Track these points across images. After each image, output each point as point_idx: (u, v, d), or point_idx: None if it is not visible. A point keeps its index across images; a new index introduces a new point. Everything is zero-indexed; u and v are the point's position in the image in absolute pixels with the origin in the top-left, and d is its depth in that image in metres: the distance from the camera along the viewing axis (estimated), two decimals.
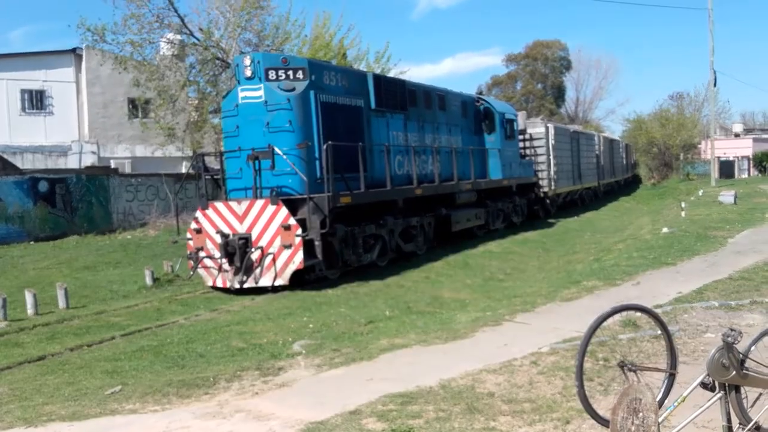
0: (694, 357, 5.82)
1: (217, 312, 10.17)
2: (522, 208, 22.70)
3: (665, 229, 16.08)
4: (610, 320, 4.03)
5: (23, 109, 31.30)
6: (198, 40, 23.29)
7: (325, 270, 12.17)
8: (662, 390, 4.14)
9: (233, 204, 11.78)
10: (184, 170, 16.53)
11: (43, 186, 22.04)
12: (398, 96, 15.11)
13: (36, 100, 31.60)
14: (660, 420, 3.65)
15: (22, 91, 31.23)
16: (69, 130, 31.74)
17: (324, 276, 12.19)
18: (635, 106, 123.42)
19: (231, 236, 11.57)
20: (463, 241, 17.23)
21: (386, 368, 6.13)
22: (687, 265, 11.05)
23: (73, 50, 31.70)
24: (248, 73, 11.99)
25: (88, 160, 30.11)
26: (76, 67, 32.07)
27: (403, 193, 14.63)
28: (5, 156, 23.24)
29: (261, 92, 11.92)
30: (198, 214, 12.19)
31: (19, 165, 24.63)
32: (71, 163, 29.90)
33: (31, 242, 20.45)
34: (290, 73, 12.07)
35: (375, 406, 4.95)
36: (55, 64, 31.87)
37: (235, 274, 11.44)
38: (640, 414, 3.48)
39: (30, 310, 10.48)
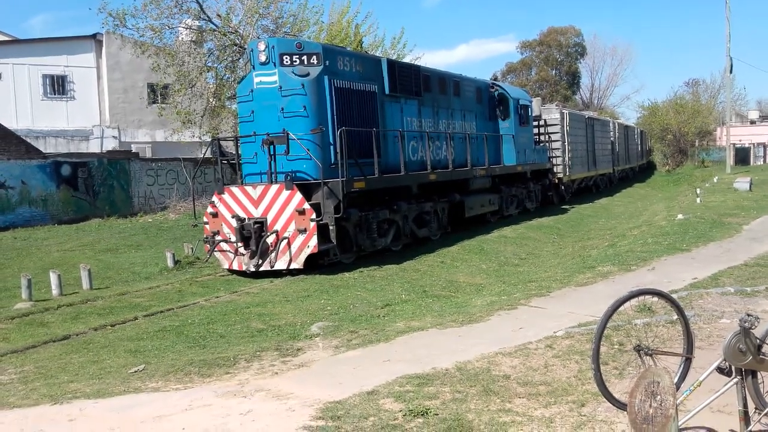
0: (710, 342, 5.84)
1: (237, 294, 10.32)
2: (536, 194, 22.62)
3: (680, 216, 15.98)
4: (625, 305, 4.06)
5: (45, 94, 31.69)
6: (216, 26, 23.36)
7: (339, 254, 12.26)
8: (678, 374, 4.18)
9: (248, 188, 11.89)
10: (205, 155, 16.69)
11: (65, 170, 22.36)
12: (412, 81, 15.06)
13: (58, 85, 31.97)
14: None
15: (44, 77, 31.61)
16: (90, 115, 32.10)
17: (338, 260, 12.29)
18: (650, 93, 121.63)
19: (246, 220, 11.70)
20: (477, 227, 17.24)
21: (403, 350, 6.21)
22: (702, 251, 11.02)
23: (94, 36, 31.97)
24: (263, 58, 12.01)
25: (110, 145, 30.45)
26: (96, 52, 32.35)
27: (417, 179, 14.64)
28: (28, 140, 23.55)
29: (275, 77, 11.94)
30: (214, 198, 12.32)
31: (42, 149, 24.96)
32: (93, 147, 30.25)
33: (55, 225, 20.79)
34: (304, 58, 12.09)
35: (392, 387, 5.04)
36: (76, 50, 32.19)
37: (251, 257, 11.58)
38: (658, 397, 3.51)
39: (54, 291, 10.70)
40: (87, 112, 32.08)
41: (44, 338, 7.97)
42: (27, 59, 31.15)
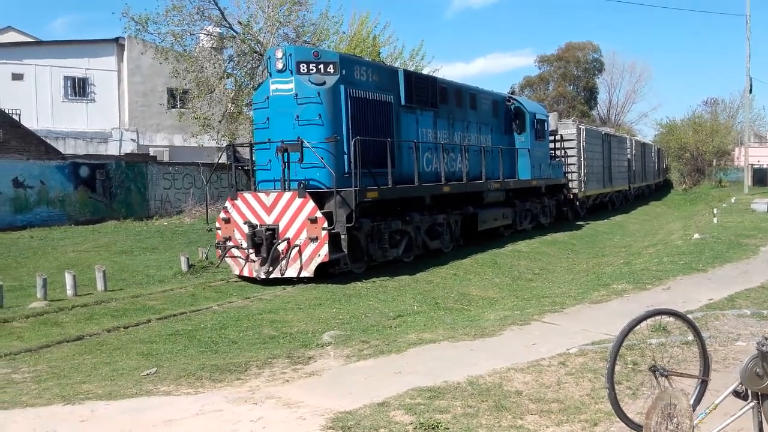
0: (725, 365, 5.77)
1: (250, 300, 10.35)
2: (550, 209, 22.52)
3: (696, 235, 15.85)
4: (640, 324, 4.03)
5: (66, 95, 32.10)
6: (237, 33, 23.56)
7: (350, 264, 12.25)
8: (694, 397, 4.13)
9: (261, 195, 11.92)
10: (220, 161, 16.81)
11: (84, 171, 22.58)
12: (429, 93, 15.08)
13: (79, 87, 32.38)
14: None
15: (66, 78, 32.03)
16: (110, 118, 32.46)
17: (349, 270, 12.28)
18: (668, 111, 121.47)
19: (258, 227, 11.72)
20: (490, 240, 17.19)
21: (414, 362, 6.19)
22: (718, 271, 10.92)
23: (116, 40, 32.37)
24: (280, 65, 12.06)
25: (128, 148, 30.75)
26: (118, 56, 32.75)
27: (430, 190, 14.63)
28: (48, 140, 23.81)
29: (292, 85, 11.98)
30: (227, 204, 12.38)
31: (61, 150, 25.22)
32: (111, 149, 30.56)
33: (71, 225, 20.96)
34: (321, 66, 12.13)
35: (403, 399, 5.02)
36: (97, 53, 32.61)
37: (261, 264, 11.60)
38: (675, 419, 3.47)
39: (69, 291, 10.78)
40: (107, 114, 32.44)
41: (58, 338, 8.02)
42: (49, 61, 31.59)
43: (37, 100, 31.21)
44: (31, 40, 35.46)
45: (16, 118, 24.14)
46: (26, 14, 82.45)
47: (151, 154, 28.29)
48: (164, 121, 32.09)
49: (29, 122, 26.29)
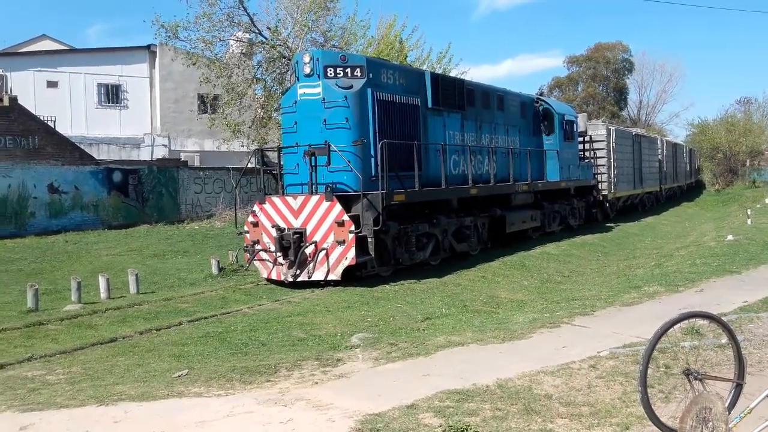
0: (760, 368, 5.65)
1: (279, 302, 10.42)
2: (580, 211, 22.27)
3: (730, 237, 15.54)
4: (674, 327, 3.97)
5: (100, 102, 32.75)
6: (266, 38, 23.80)
7: (377, 267, 12.27)
8: (728, 400, 4.05)
9: (289, 199, 12.00)
10: (249, 165, 16.97)
11: (117, 176, 23.02)
12: (456, 95, 15.02)
13: (112, 94, 33.02)
14: None
15: (99, 85, 32.69)
16: (142, 124, 33.03)
17: (375, 273, 12.29)
18: (700, 111, 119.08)
19: (286, 230, 11.80)
20: (518, 243, 17.05)
21: (443, 365, 6.17)
22: (753, 273, 10.68)
23: (148, 47, 32.92)
24: (307, 70, 12.12)
25: (160, 153, 31.24)
26: (150, 62, 33.31)
27: (457, 193, 14.58)
28: (82, 146, 24.31)
29: (319, 89, 12.03)
30: (255, 207, 12.48)
31: (95, 155, 25.71)
32: (143, 155, 31.07)
33: (105, 230, 21.38)
34: (348, 70, 12.16)
35: (432, 402, 5.01)
36: (130, 60, 33.21)
37: (289, 267, 11.66)
38: (710, 423, 3.42)
39: (103, 294, 10.98)
40: (139, 120, 33.02)
41: (92, 340, 8.16)
42: (83, 68, 32.27)
43: (72, 107, 31.88)
44: (65, 48, 36.25)
45: (51, 124, 24.71)
46: (60, 23, 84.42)
47: (182, 159, 28.70)
48: (195, 127, 32.54)
49: (64, 129, 26.86)
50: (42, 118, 23.82)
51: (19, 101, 21.63)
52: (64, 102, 31.64)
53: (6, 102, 20.70)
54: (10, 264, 14.89)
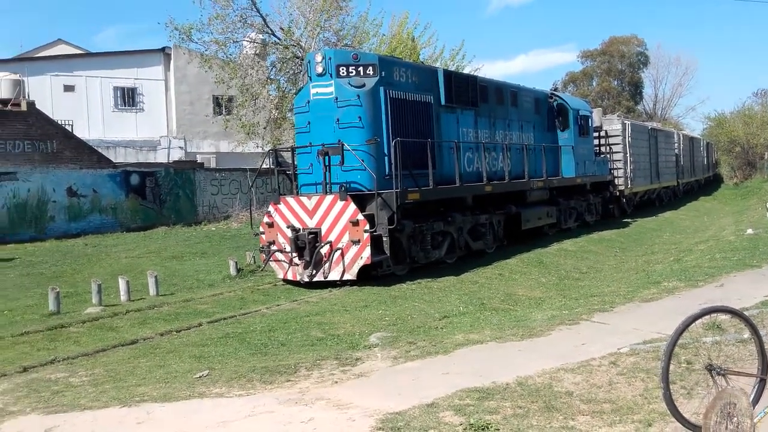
0: None
1: (297, 303, 10.46)
2: (596, 206, 22.13)
3: (749, 231, 15.38)
4: (694, 322, 3.94)
5: (116, 105, 33.05)
6: (279, 39, 23.86)
7: (392, 266, 12.26)
8: (752, 395, 4.02)
9: (304, 199, 12.01)
10: (264, 166, 17.06)
11: (134, 179, 23.22)
12: (469, 92, 14.97)
13: (128, 97, 33.31)
14: None
15: (115, 89, 32.99)
16: (158, 126, 33.29)
17: (391, 272, 12.28)
18: (716, 104, 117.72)
19: (301, 231, 11.82)
20: (534, 240, 16.98)
21: (462, 363, 6.17)
22: None
23: (162, 49, 33.16)
24: (319, 69, 12.12)
25: (176, 155, 31.46)
26: (164, 65, 33.57)
27: (472, 190, 14.52)
28: (99, 150, 24.55)
29: (331, 89, 12.03)
30: (270, 208, 12.51)
31: (112, 159, 25.96)
32: (160, 157, 31.31)
33: (123, 232, 21.58)
34: (360, 69, 12.15)
35: (452, 400, 5.01)
36: (145, 63, 33.48)
37: (305, 267, 11.68)
38: (735, 419, 3.40)
39: (123, 296, 11.08)
40: (155, 123, 33.29)
41: (113, 342, 8.23)
42: (99, 72, 32.56)
43: (89, 111, 32.19)
44: (81, 52, 36.61)
45: (68, 128, 24.97)
46: (75, 27, 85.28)
47: (199, 160, 28.88)
48: (210, 128, 32.73)
49: (81, 132, 27.14)
50: (59, 122, 24.07)
51: (37, 106, 21.88)
52: (81, 106, 31.95)
53: (24, 107, 20.95)
54: (32, 267, 15.07)
